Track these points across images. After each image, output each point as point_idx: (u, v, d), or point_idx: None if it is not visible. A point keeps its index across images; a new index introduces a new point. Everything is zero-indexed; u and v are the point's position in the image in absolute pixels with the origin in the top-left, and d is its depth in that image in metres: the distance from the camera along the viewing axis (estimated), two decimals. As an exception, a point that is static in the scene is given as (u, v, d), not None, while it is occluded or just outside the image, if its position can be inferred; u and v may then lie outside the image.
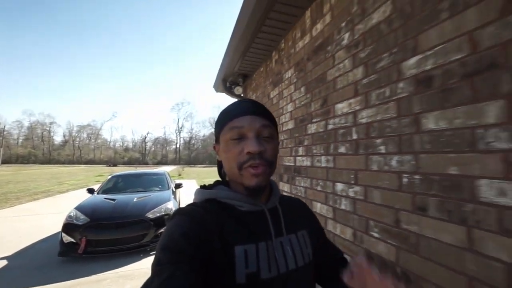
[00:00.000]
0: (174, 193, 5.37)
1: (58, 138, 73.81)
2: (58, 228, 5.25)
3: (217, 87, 4.15)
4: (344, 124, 1.43)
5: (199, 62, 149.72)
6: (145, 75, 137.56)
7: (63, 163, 61.58)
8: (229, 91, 3.88)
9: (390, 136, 1.12)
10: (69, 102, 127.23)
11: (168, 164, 53.63)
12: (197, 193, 0.61)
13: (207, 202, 0.57)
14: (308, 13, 1.92)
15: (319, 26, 1.74)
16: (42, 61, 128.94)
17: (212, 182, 0.64)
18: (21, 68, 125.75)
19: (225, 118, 0.58)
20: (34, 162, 60.02)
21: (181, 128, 75.56)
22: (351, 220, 1.36)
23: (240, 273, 0.48)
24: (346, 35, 1.43)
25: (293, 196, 0.73)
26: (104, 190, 5.22)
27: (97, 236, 3.78)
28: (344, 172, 1.42)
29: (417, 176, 0.98)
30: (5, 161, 56.43)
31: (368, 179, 1.24)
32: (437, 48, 0.91)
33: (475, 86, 0.79)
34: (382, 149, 1.16)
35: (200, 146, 73.82)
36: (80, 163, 61.39)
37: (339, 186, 1.46)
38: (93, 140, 73.85)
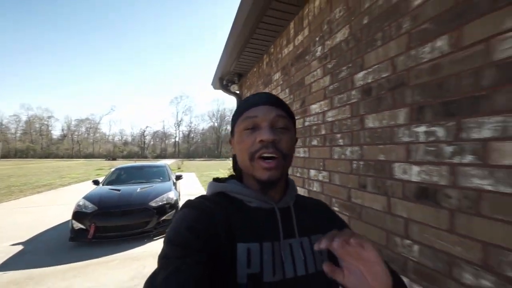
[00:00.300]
0: (174, 184, 5.71)
1: (56, 132, 73.80)
2: (65, 218, 5.62)
3: (214, 85, 4.44)
4: (316, 122, 1.75)
5: (198, 56, 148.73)
6: (144, 69, 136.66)
7: (62, 157, 61.79)
8: (226, 88, 4.18)
9: (346, 132, 1.44)
10: (67, 96, 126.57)
11: (167, 158, 53.97)
12: (209, 186, 0.61)
13: (217, 196, 0.56)
14: (292, 24, 2.21)
15: (300, 37, 2.05)
16: (40, 55, 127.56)
17: (226, 176, 0.64)
18: (19, 62, 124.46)
19: (240, 109, 0.57)
20: (33, 157, 60.20)
21: (180, 121, 75.73)
22: (320, 199, 1.69)
23: (241, 272, 0.46)
24: (319, 48, 1.74)
25: (314, 198, 0.68)
26: (109, 182, 5.55)
27: (105, 223, 4.12)
28: (316, 161, 1.75)
29: (361, 162, 1.31)
30: (4, 156, 56.57)
31: (332, 165, 1.57)
32: (374, 67, 1.23)
33: (394, 97, 1.11)
34: (341, 142, 1.48)
35: (199, 140, 74.14)
36: (79, 157, 61.62)
37: (312, 172, 1.80)
38: (91, 134, 73.89)
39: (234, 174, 0.64)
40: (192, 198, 0.56)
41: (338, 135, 1.51)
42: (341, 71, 1.49)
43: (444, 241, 0.89)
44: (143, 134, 73.15)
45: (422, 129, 0.98)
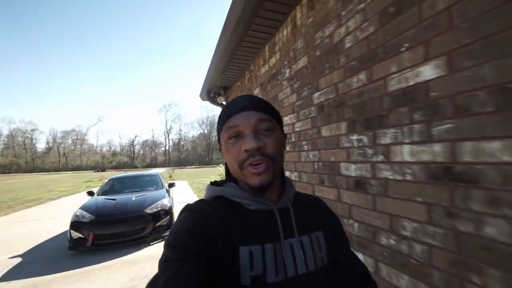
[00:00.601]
0: (168, 191, 5.94)
1: (41, 146, 71.71)
2: (59, 230, 5.74)
3: (202, 97, 4.77)
4: (288, 131, 2.11)
5: (186, 63, 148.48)
6: (131, 78, 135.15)
7: (48, 170, 59.98)
8: (213, 100, 4.51)
9: (308, 139, 1.80)
10: (52, 107, 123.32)
11: (157, 167, 53.35)
12: (207, 189, 0.61)
13: (216, 200, 0.57)
14: (267, 48, 2.58)
15: (273, 60, 2.41)
16: (22, 65, 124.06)
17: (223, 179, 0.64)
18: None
19: (222, 119, 0.57)
20: (17, 171, 58.17)
21: (169, 130, 75.17)
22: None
23: (244, 275, 0.47)
24: (287, 71, 2.11)
25: (313, 195, 0.73)
26: (103, 192, 5.73)
27: (103, 231, 4.32)
28: (289, 164, 2.10)
29: (320, 163, 1.67)
30: (-15, 172, 54.40)
31: (300, 167, 1.93)
32: (325, 89, 1.60)
33: (338, 113, 1.48)
34: (306, 147, 1.84)
35: (189, 147, 73.73)
36: (67, 170, 60.02)
37: (287, 173, 2.15)
38: (78, 146, 72.19)
39: (230, 177, 0.63)
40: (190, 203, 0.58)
41: (304, 142, 1.87)
42: (303, 91, 1.86)
43: (371, 217, 1.25)
44: (132, 144, 72.14)
45: (355, 137, 1.34)
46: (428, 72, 0.95)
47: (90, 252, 4.29)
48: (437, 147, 0.92)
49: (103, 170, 45.45)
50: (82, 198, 5.80)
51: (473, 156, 0.81)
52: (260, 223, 0.53)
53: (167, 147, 73.51)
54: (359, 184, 1.32)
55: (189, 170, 34.46)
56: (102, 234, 4.32)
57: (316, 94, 1.69)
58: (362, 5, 1.26)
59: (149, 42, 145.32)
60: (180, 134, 75.46)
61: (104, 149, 75.90)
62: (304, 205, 0.62)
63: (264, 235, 0.52)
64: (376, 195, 1.21)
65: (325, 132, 1.61)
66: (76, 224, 4.35)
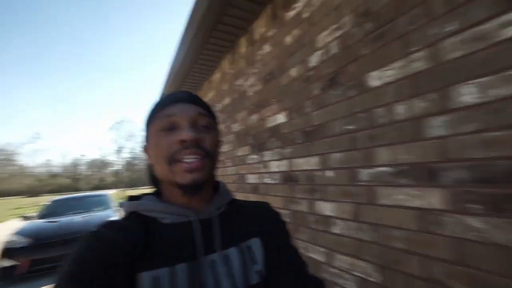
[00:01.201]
0: (117, 211, 5.90)
1: (-46, 168, 59.61)
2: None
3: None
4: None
5: (139, 79, 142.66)
6: (79, 93, 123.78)
7: (-39, 198, 49.77)
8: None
9: (230, 158, 2.39)
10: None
11: (107, 188, 48.70)
12: (122, 206, 0.51)
13: (129, 217, 0.47)
14: (206, 83, 3.19)
15: (210, 94, 3.02)
16: None
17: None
18: None
19: (155, 109, 0.48)
20: None
21: (121, 148, 70.08)
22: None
23: None
24: (219, 105, 2.72)
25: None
26: (44, 215, 5.42)
27: (44, 255, 4.12)
28: (219, 177, 2.65)
29: (236, 176, 2.26)
30: None
31: (226, 179, 2.50)
32: (239, 122, 2.23)
33: (245, 139, 2.10)
34: (229, 164, 2.43)
35: (144, 167, 69.26)
36: (-12, 197, 50.62)
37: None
38: (7, 167, 62.05)
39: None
40: None
41: (228, 160, 2.45)
42: (227, 122, 2.48)
43: (262, 210, 1.85)
44: (77, 164, 64.98)
45: (253, 156, 1.97)
46: (281, 118, 1.62)
47: (23, 280, 4.05)
48: (285, 162, 1.57)
49: (35, 195, 39.66)
50: (8, 229, 5.23)
51: (296, 167, 1.47)
52: (174, 239, 0.44)
53: (118, 167, 67.99)
54: (255, 189, 1.93)
55: (142, 191, 32.33)
56: (41, 258, 4.15)
57: (235, 125, 2.32)
58: (255, 70, 1.95)
59: (102, 55, 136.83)
60: (133, 152, 70.82)
61: (42, 170, 66.62)
62: (241, 213, 0.54)
63: (177, 253, 0.43)
64: (264, 194, 1.82)
65: (239, 152, 2.22)
66: (8, 252, 4.08)
